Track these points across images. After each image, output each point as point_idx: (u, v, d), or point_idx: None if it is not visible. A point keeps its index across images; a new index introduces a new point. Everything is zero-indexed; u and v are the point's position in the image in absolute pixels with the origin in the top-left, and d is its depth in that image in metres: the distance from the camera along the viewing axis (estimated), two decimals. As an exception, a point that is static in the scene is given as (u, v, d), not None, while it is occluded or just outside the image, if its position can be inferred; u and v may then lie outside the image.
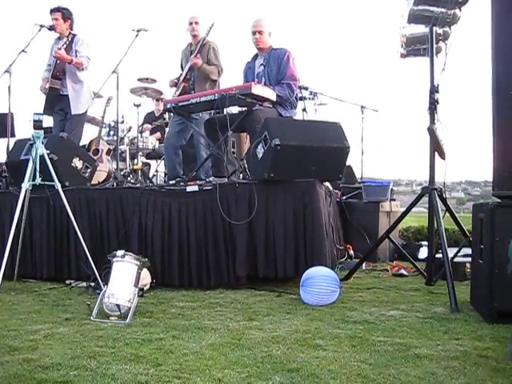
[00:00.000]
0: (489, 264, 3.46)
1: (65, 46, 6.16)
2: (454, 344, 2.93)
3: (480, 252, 3.70)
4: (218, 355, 2.72)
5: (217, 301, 4.09)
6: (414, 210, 4.91)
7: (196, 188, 4.67)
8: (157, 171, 8.62)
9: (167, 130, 7.79)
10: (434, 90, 4.64)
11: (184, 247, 4.59)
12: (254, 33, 5.57)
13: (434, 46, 4.81)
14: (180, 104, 5.34)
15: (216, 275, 4.53)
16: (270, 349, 2.81)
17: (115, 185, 5.57)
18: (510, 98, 3.52)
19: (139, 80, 8.31)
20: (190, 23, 6.42)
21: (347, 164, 7.21)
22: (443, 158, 4.61)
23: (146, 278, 4.27)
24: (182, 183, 5.04)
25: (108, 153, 7.56)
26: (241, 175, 5.38)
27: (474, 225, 3.94)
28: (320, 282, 3.87)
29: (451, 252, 4.95)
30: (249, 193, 4.50)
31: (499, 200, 3.65)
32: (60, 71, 6.23)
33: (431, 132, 4.53)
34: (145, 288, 4.18)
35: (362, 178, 7.70)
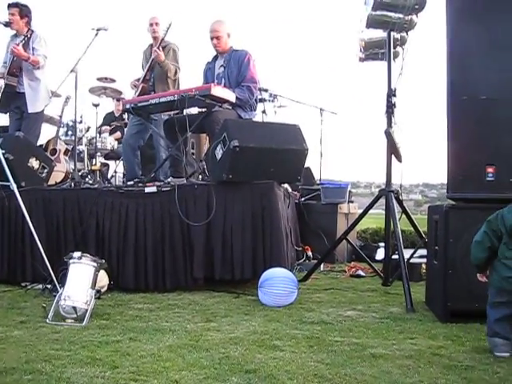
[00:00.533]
0: (443, 265, 3.53)
1: (23, 42, 6.02)
2: (408, 343, 2.98)
3: (434, 253, 3.78)
4: (175, 357, 2.71)
5: (175, 302, 4.07)
6: (372, 211, 4.98)
7: (154, 189, 4.64)
8: (115, 172, 8.50)
9: (126, 130, 7.71)
10: (391, 93, 4.72)
11: (141, 249, 4.54)
12: (211, 38, 5.59)
13: (392, 50, 4.89)
14: (139, 104, 5.28)
15: (173, 277, 4.49)
16: (227, 350, 2.82)
17: (73, 185, 5.48)
18: (464, 102, 3.61)
19: (98, 79, 8.19)
20: (151, 24, 6.38)
21: (306, 166, 7.29)
22: (400, 161, 4.70)
23: (103, 279, 4.21)
24: (140, 184, 5.00)
25: (66, 153, 7.43)
26: (200, 176, 5.37)
27: (429, 226, 4.02)
28: (278, 283, 3.88)
29: (408, 253, 5.05)
30: (207, 194, 4.48)
31: (453, 202, 3.73)
32: (16, 68, 6.08)
33: (388, 135, 4.61)
34: (102, 290, 4.14)
35: (320, 179, 7.76)
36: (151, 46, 6.48)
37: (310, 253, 5.89)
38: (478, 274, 2.96)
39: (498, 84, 3.55)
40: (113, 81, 8.28)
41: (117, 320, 3.50)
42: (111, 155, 8.39)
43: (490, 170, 3.52)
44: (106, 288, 4.29)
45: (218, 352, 2.78)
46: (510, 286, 2.74)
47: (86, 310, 3.45)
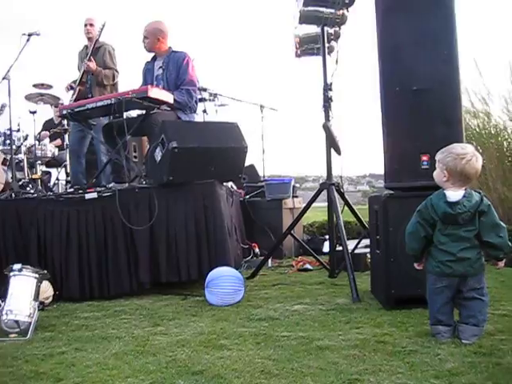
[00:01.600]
0: (384, 253, 3.60)
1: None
2: (354, 333, 3.03)
3: (376, 242, 3.85)
4: (121, 364, 2.67)
5: (122, 308, 4.01)
6: (318, 204, 5.03)
7: (95, 195, 4.56)
8: (58, 179, 8.34)
9: (66, 136, 7.58)
10: (327, 87, 4.79)
11: (84, 257, 4.45)
12: (143, 37, 5.57)
13: (326, 45, 4.96)
14: (76, 110, 5.17)
15: (118, 283, 4.42)
16: (174, 353, 2.80)
17: (12, 196, 5.35)
18: (396, 95, 3.69)
19: (34, 86, 7.99)
20: (85, 25, 6.31)
21: (250, 163, 7.33)
22: (339, 154, 4.76)
23: (47, 290, 4.12)
24: (80, 191, 4.92)
25: (4, 163, 7.23)
26: (142, 180, 5.32)
27: (370, 216, 4.09)
28: (224, 282, 3.89)
29: (354, 244, 5.13)
30: (149, 197, 4.44)
31: (392, 192, 3.81)
32: None
33: (326, 129, 4.67)
34: (47, 301, 4.06)
35: (264, 176, 7.80)
36: (86, 47, 6.40)
37: (257, 250, 5.91)
38: (415, 264, 3.02)
39: (428, 75, 3.64)
40: (50, 87, 8.09)
41: (62, 331, 3.43)
42: (52, 162, 8.22)
43: (424, 158, 3.61)
44: (51, 299, 4.20)
45: (165, 356, 2.76)
46: (448, 270, 2.81)
47: (30, 323, 3.36)
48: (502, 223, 2.85)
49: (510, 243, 2.88)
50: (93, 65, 6.02)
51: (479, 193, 2.88)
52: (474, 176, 2.87)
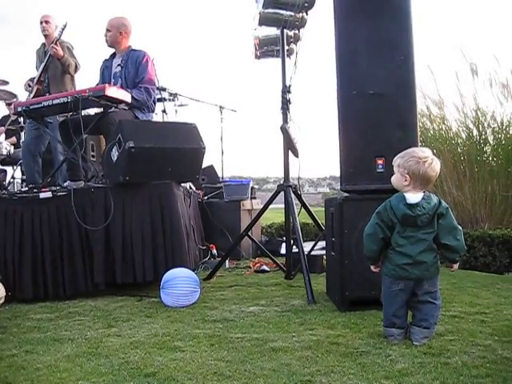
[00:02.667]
0: (339, 255, 3.64)
1: None
2: (308, 334, 3.05)
3: (332, 244, 3.88)
4: (73, 366, 2.63)
5: (76, 310, 3.96)
6: (277, 206, 5.05)
7: (50, 194, 4.48)
8: (13, 178, 8.18)
9: (22, 134, 7.44)
10: (285, 90, 4.81)
11: (38, 257, 4.36)
12: (106, 30, 5.52)
13: (286, 47, 4.98)
14: (32, 107, 5.08)
15: (73, 284, 4.35)
16: (127, 355, 2.77)
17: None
18: (353, 98, 3.73)
19: (-11, 82, 7.84)
20: (41, 22, 6.21)
21: (210, 164, 7.32)
22: (296, 156, 4.79)
23: (-1, 291, 4.04)
24: (35, 190, 4.82)
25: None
26: (99, 179, 5.25)
27: (326, 219, 4.12)
28: (180, 283, 3.86)
29: (311, 246, 5.17)
30: (104, 197, 4.39)
31: (347, 194, 3.85)
32: None
33: (284, 131, 4.69)
34: (-2, 302, 3.97)
35: (223, 177, 7.79)
36: (44, 45, 6.30)
37: (214, 251, 5.91)
38: (371, 266, 3.03)
39: (384, 79, 3.69)
40: (5, 83, 7.94)
41: (13, 333, 3.35)
42: (8, 160, 8.06)
43: (379, 161, 3.66)
44: (3, 300, 4.09)
45: (118, 358, 2.73)
46: (404, 273, 2.83)
47: (-21, 325, 3.29)
48: (459, 226, 2.89)
49: (465, 246, 2.94)
50: (59, 49, 5.93)
51: (437, 196, 2.93)
52: (434, 179, 2.91)
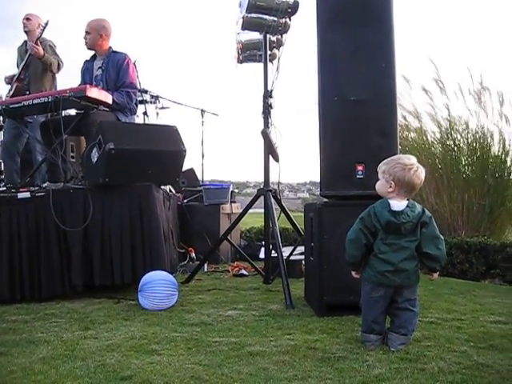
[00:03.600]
0: (318, 260, 3.64)
1: None
2: (286, 339, 3.05)
3: (311, 249, 3.89)
4: (48, 369, 2.60)
5: (52, 311, 3.91)
6: (257, 210, 5.05)
7: (28, 195, 4.43)
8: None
9: (1, 133, 7.36)
10: (267, 94, 4.82)
11: (15, 258, 4.31)
12: (85, 33, 5.49)
13: (268, 52, 5.00)
14: (11, 106, 5.02)
15: (50, 286, 4.31)
16: (103, 358, 2.74)
17: None
18: (334, 105, 3.74)
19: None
20: (23, 19, 6.17)
21: (190, 167, 7.30)
22: (277, 161, 4.80)
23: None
24: (13, 190, 4.77)
25: None
26: (78, 181, 5.21)
27: (306, 224, 4.14)
28: (157, 286, 3.84)
29: (289, 251, 5.17)
30: (83, 198, 4.35)
31: (326, 200, 3.87)
32: None
33: (265, 135, 4.70)
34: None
35: (203, 181, 7.78)
36: (25, 42, 6.25)
37: (193, 254, 5.88)
38: (352, 272, 3.02)
39: (365, 86, 3.72)
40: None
41: (-13, 335, 3.32)
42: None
43: (359, 168, 3.68)
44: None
45: (94, 360, 2.71)
46: (386, 280, 2.84)
47: (-47, 326, 3.24)
48: (440, 236, 2.90)
49: (445, 256, 2.96)
50: (40, 49, 5.89)
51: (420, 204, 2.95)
52: (418, 187, 2.91)
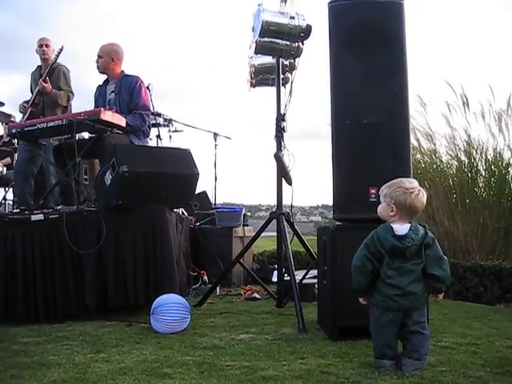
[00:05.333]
0: (331, 284, 3.62)
1: None
2: (299, 363, 3.02)
3: (323, 273, 3.87)
4: (59, 392, 2.60)
5: (64, 334, 3.91)
6: (270, 234, 5.04)
7: (41, 217, 4.46)
8: (5, 199, 8.14)
9: (15, 156, 7.44)
10: (280, 118, 4.84)
11: (29, 280, 4.33)
12: (97, 57, 5.56)
13: (281, 76, 5.03)
14: (26, 129, 5.09)
15: (64, 307, 4.32)
16: (115, 381, 2.72)
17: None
18: (347, 127, 3.75)
19: (-15, 103, 7.87)
20: (40, 45, 6.24)
21: (202, 190, 7.32)
22: (290, 184, 4.80)
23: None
24: (26, 212, 4.80)
25: None
26: (91, 203, 5.24)
27: (319, 247, 4.12)
28: (170, 309, 3.82)
29: (302, 274, 5.15)
30: (97, 221, 4.38)
31: (340, 223, 3.85)
32: None
33: (278, 159, 4.71)
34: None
35: (215, 204, 7.79)
36: (40, 67, 6.32)
37: (205, 277, 5.85)
38: (360, 299, 3.00)
39: (378, 109, 3.73)
40: (1, 104, 7.98)
41: (-1, 357, 3.32)
42: (0, 181, 8.06)
43: (372, 191, 3.66)
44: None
45: (106, 384, 2.70)
46: (396, 304, 2.81)
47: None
48: (444, 256, 2.90)
49: (450, 276, 2.94)
50: (48, 86, 5.95)
51: (424, 226, 2.93)
52: (420, 210, 2.92)
